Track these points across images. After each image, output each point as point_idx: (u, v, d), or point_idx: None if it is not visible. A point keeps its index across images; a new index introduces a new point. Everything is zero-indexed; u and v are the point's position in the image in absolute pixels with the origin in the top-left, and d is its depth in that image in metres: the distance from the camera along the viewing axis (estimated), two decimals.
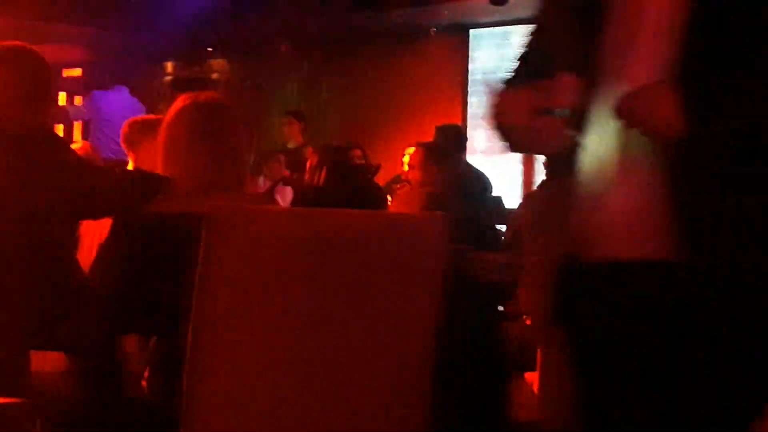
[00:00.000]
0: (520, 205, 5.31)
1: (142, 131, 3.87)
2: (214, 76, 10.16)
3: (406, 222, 2.11)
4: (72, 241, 2.78)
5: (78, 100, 8.13)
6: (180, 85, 9.96)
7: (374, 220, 2.13)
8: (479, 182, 7.04)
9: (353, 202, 4.08)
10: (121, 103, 7.87)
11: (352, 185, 4.52)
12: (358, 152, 6.66)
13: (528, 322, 3.81)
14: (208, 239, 1.91)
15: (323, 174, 4.54)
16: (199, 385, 1.92)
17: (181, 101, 2.57)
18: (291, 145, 8.19)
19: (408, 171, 5.73)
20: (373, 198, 4.40)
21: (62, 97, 8.08)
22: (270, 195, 6.43)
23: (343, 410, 2.01)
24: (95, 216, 2.74)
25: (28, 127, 2.66)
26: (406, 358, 2.05)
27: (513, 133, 1.68)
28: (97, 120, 7.81)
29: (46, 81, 2.82)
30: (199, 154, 2.51)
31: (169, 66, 10.44)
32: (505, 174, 8.51)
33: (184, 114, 2.56)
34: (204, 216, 1.93)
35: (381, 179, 5.73)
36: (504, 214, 6.76)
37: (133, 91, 8.09)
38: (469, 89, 8.95)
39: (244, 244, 1.93)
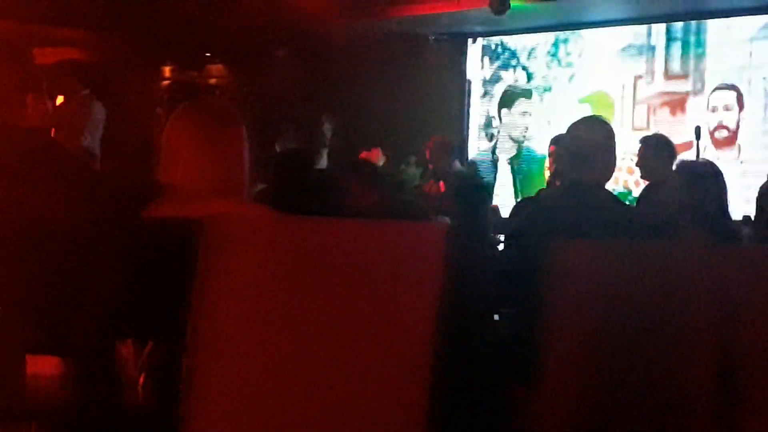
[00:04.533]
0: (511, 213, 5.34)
1: None
2: (212, 81, 10.16)
3: (405, 230, 2.11)
4: (68, 246, 2.78)
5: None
6: (177, 89, 9.95)
7: (374, 229, 2.13)
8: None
9: None
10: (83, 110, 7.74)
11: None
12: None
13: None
14: (206, 244, 1.90)
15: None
16: (197, 391, 1.91)
17: (183, 106, 2.57)
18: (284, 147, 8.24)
19: None
20: None
21: (60, 101, 8.09)
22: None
23: (341, 419, 2.00)
24: (91, 221, 2.73)
25: (24, 130, 2.66)
26: (405, 365, 2.05)
27: None
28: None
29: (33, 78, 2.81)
30: (199, 159, 2.51)
31: (167, 70, 10.44)
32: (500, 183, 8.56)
33: (186, 118, 2.56)
34: (202, 221, 1.93)
35: None
36: (500, 223, 6.79)
37: (131, 96, 8.05)
38: (466, 98, 8.97)
39: (243, 249, 1.93)
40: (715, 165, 4.12)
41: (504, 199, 8.25)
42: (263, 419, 1.95)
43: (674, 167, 4.00)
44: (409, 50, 8.74)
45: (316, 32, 8.48)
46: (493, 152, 8.65)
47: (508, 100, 8.63)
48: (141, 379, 2.47)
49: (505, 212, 7.68)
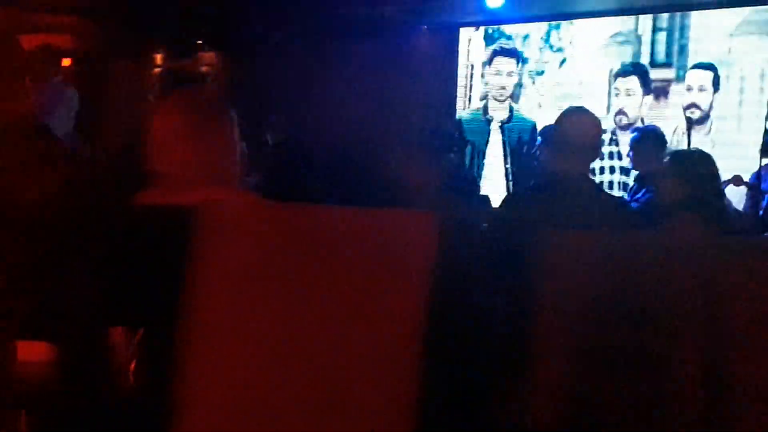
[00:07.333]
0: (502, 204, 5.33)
1: None
2: (204, 69, 10.13)
3: (397, 219, 2.11)
4: (58, 231, 2.77)
5: None
6: (169, 77, 9.92)
7: (366, 216, 2.13)
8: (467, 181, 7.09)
9: None
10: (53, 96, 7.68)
11: None
12: None
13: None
14: (198, 231, 1.90)
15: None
16: (189, 378, 1.91)
17: (175, 94, 2.57)
18: (277, 139, 8.24)
19: None
20: None
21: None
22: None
23: (332, 405, 2.01)
24: (81, 207, 2.72)
25: (10, 117, 2.65)
26: (395, 352, 2.06)
27: None
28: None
29: (19, 64, 2.78)
30: (189, 148, 2.50)
31: (159, 58, 10.39)
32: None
33: (178, 106, 2.55)
34: (194, 208, 1.93)
35: None
36: (491, 214, 6.80)
37: (123, 82, 8.02)
38: (458, 87, 9.03)
39: (235, 236, 1.93)
40: (707, 153, 4.19)
41: (494, 167, 8.48)
42: (255, 405, 1.95)
43: (668, 158, 4.07)
44: (402, 39, 8.76)
45: (309, 20, 8.47)
46: (486, 112, 8.81)
47: (490, 56, 8.83)
48: (131, 366, 2.47)
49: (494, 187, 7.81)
